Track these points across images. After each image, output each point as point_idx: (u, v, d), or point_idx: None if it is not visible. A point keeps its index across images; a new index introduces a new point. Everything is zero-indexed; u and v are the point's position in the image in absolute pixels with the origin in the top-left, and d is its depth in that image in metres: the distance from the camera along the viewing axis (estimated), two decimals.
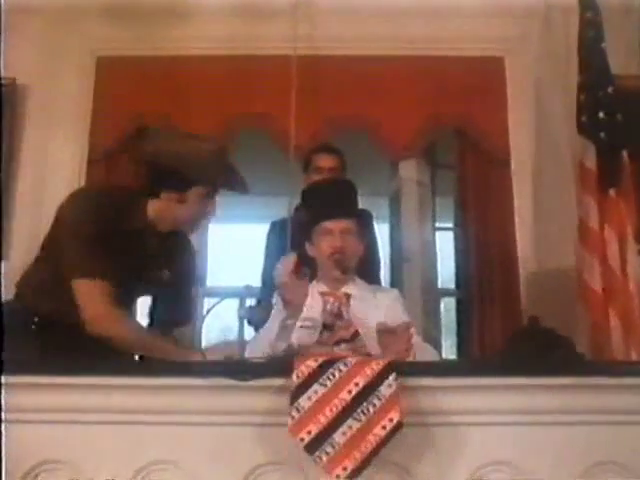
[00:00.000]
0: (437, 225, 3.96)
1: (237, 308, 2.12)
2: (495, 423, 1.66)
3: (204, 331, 2.88)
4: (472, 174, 3.69)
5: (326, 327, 2.08)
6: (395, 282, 3.74)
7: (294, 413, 1.54)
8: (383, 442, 1.53)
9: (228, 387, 1.64)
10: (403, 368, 1.63)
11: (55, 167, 3.61)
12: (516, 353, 1.90)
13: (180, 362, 1.86)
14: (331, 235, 2.24)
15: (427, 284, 3.78)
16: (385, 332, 1.91)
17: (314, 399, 1.56)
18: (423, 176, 3.90)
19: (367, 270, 3.01)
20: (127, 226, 2.05)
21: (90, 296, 1.95)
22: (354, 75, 3.69)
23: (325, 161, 3.08)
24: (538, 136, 3.62)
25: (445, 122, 3.72)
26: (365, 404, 1.56)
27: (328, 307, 2.20)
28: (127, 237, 2.04)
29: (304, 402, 1.56)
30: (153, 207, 2.11)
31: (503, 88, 3.70)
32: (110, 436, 1.65)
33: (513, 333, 3.10)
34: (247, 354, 1.87)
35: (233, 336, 1.97)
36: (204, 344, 2.32)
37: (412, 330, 1.95)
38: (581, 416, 1.66)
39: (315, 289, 2.24)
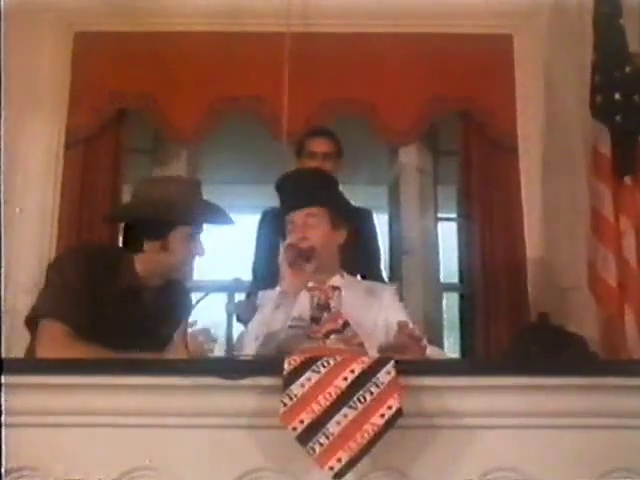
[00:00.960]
0: (439, 215, 3.96)
1: (225, 303, 2.11)
2: (501, 426, 1.65)
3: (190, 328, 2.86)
4: (477, 161, 3.68)
5: (314, 320, 2.09)
6: (394, 276, 3.74)
7: (286, 400, 1.53)
8: (381, 432, 1.51)
9: (215, 387, 1.62)
10: (403, 366, 1.61)
11: (29, 152, 3.58)
12: (524, 351, 1.90)
13: (163, 360, 1.84)
14: (295, 227, 2.24)
15: (428, 278, 3.78)
16: (392, 349, 1.90)
17: (307, 386, 1.55)
18: (425, 163, 3.90)
19: (365, 264, 3.01)
20: (117, 285, 2.08)
21: (49, 335, 1.97)
22: (351, 54, 3.67)
23: (319, 146, 3.07)
24: (548, 120, 3.60)
25: (448, 105, 3.70)
26: (362, 392, 1.55)
27: (315, 301, 2.21)
28: (118, 297, 2.06)
29: (297, 389, 1.55)
30: (140, 263, 2.14)
31: (511, 68, 3.67)
32: (85, 440, 1.62)
33: (520, 330, 3.12)
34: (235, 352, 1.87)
35: (221, 333, 1.98)
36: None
37: (424, 343, 1.95)
38: (595, 419, 1.65)
39: None
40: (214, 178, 4.26)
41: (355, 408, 1.53)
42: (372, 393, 1.55)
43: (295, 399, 1.53)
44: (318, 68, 3.63)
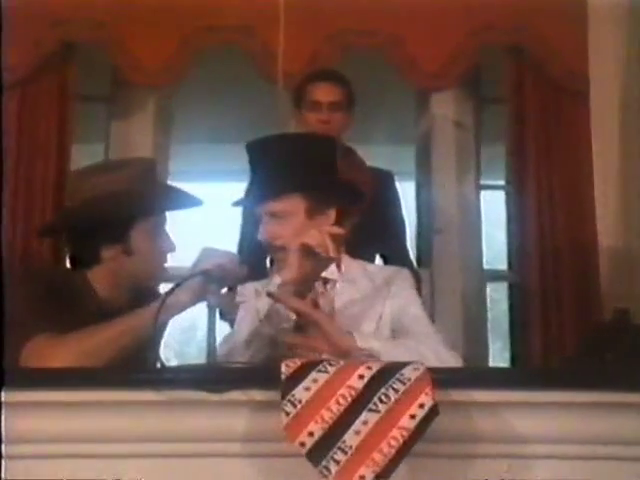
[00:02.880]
0: (482, 182, 3.97)
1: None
2: (563, 456, 1.66)
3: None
4: (532, 111, 3.68)
5: (299, 328, 2.06)
6: (423, 260, 3.75)
7: (289, 408, 1.52)
8: (414, 437, 1.50)
9: (194, 403, 1.63)
10: (435, 376, 1.59)
11: None
12: (595, 359, 1.90)
13: (130, 370, 1.84)
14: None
15: (468, 264, 3.80)
16: None
17: (314, 389, 1.54)
18: (464, 114, 3.91)
19: (386, 240, 3.02)
20: (82, 311, 2.11)
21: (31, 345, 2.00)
22: None
23: (324, 93, 3.10)
24: (629, 57, 3.59)
25: (495, 37, 3.70)
26: (384, 389, 1.54)
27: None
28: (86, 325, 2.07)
29: (301, 394, 1.54)
30: (98, 279, 2.20)
31: None
32: (29, 472, 1.62)
33: (591, 331, 3.12)
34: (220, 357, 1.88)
35: (201, 333, 1.98)
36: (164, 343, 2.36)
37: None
38: None
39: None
40: (189, 135, 4.28)
41: (377, 411, 1.53)
42: (397, 390, 1.54)
43: (300, 406, 1.52)
44: None
